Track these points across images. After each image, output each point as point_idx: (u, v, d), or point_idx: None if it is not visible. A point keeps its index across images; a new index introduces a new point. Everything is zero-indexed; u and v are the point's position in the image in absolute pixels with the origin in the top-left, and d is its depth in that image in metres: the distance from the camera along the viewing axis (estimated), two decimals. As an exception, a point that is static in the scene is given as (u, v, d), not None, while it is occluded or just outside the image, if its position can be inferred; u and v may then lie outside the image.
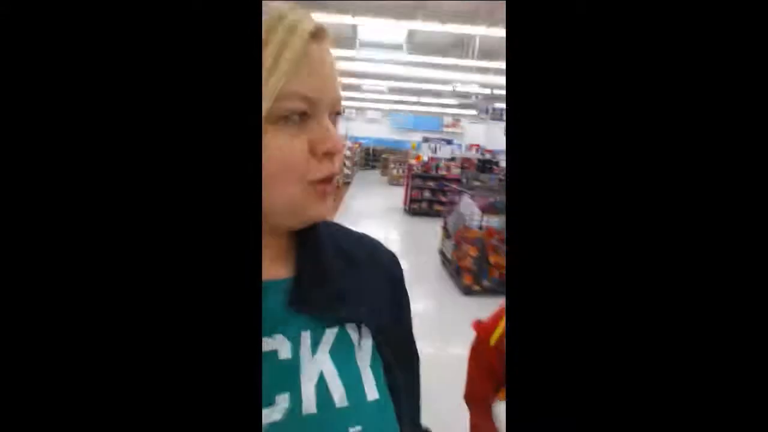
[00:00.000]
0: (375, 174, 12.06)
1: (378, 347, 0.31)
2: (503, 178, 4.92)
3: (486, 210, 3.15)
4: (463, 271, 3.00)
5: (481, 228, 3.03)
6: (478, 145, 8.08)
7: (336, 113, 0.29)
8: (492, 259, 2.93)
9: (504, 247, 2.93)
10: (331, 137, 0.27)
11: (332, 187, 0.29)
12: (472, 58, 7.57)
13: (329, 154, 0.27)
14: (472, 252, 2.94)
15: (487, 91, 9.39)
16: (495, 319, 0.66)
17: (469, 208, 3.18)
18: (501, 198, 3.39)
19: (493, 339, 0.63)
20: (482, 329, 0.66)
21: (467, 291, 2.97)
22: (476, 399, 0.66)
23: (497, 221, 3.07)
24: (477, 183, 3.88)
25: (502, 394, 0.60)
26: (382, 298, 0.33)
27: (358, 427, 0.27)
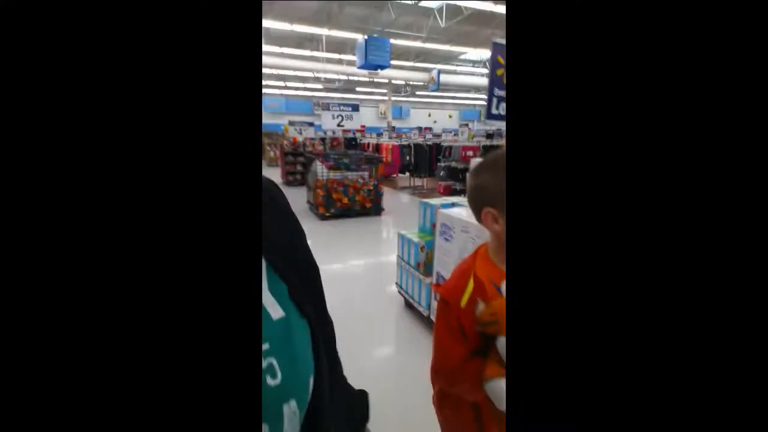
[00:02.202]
0: (253, 157, 12.69)
1: (275, 270, 0.32)
2: (365, 152, 6.59)
3: (330, 167, 4.77)
4: (318, 206, 4.68)
5: (327, 179, 4.65)
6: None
7: None
8: (334, 195, 4.66)
9: (340, 188, 4.64)
10: None
11: None
12: (322, 50, 9.07)
13: None
14: (321, 193, 4.61)
15: (344, 77, 11.00)
16: (460, 281, 0.61)
17: (318, 167, 4.76)
18: (346, 160, 5.05)
19: (464, 301, 0.59)
20: (448, 292, 0.61)
21: (323, 217, 4.75)
22: (448, 366, 0.60)
23: (338, 174, 4.74)
24: (346, 160, 5.07)
25: (491, 369, 0.55)
26: (272, 226, 0.34)
27: (266, 345, 0.28)
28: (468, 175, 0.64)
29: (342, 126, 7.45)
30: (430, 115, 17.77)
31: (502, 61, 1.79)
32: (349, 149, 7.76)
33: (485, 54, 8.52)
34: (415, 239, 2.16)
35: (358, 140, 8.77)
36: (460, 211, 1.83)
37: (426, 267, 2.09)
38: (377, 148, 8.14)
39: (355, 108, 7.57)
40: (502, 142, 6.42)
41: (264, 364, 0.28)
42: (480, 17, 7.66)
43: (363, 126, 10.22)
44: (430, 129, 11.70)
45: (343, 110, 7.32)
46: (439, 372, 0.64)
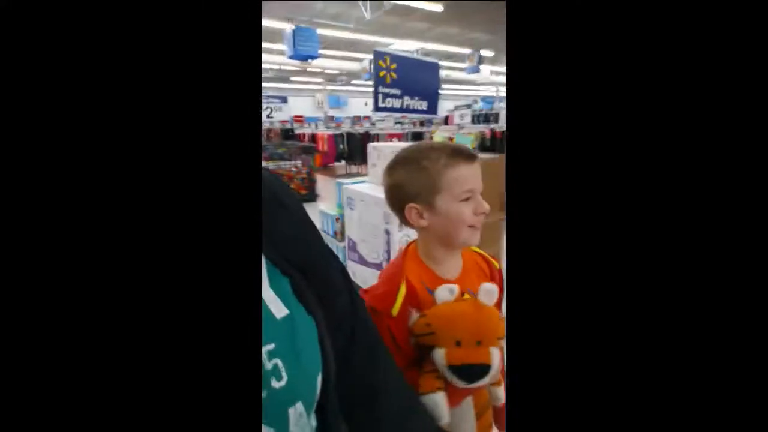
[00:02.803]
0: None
1: (276, 266, 0.31)
2: (301, 142, 6.78)
3: (266, 159, 4.99)
4: (254, 195, 4.92)
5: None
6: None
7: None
8: (269, 185, 4.93)
9: (275, 177, 4.92)
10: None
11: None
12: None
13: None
14: (256, 182, 4.86)
15: (276, 67, 10.91)
16: (390, 286, 0.58)
17: (252, 157, 4.99)
18: (281, 151, 5.27)
19: (395, 309, 0.56)
20: (376, 299, 0.57)
21: (258, 206, 4.95)
22: None
23: (272, 165, 4.98)
24: (281, 150, 5.27)
25: (427, 383, 0.52)
26: (272, 220, 0.32)
27: (271, 345, 0.27)
28: (382, 174, 0.63)
29: (271, 118, 7.58)
30: (366, 104, 18.10)
31: (382, 64, 2.24)
32: (286, 140, 7.88)
33: (412, 45, 9.04)
34: (332, 212, 2.56)
35: (295, 130, 8.91)
36: (363, 186, 2.26)
37: (341, 235, 2.51)
38: (313, 137, 8.33)
39: (284, 100, 7.73)
40: (433, 128, 6.98)
41: (269, 365, 0.27)
42: (402, 10, 8.11)
43: (301, 117, 10.28)
44: (369, 117, 12.04)
45: (271, 102, 7.45)
46: None
